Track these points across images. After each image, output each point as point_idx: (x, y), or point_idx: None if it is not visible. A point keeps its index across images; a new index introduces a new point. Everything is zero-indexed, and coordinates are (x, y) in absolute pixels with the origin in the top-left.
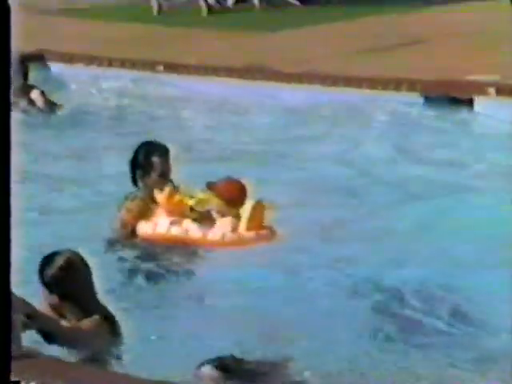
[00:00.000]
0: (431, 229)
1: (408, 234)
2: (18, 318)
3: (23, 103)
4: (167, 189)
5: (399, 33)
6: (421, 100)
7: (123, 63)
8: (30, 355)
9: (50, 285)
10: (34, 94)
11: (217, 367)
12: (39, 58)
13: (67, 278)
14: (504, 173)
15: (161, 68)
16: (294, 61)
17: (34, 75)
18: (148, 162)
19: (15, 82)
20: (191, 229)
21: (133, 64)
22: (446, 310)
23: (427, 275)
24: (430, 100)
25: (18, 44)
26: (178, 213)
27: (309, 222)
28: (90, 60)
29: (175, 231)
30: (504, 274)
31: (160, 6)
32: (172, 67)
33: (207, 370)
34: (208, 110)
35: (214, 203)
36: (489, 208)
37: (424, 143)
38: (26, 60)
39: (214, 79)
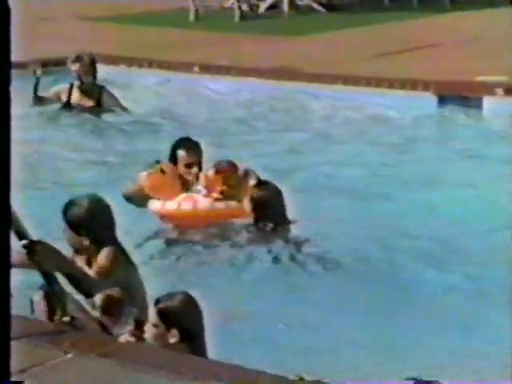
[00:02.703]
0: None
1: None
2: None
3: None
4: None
5: (414, 38)
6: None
7: (161, 64)
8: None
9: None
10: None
11: None
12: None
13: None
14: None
15: (196, 69)
16: (318, 63)
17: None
18: (174, 154)
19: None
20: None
21: (170, 65)
22: None
23: None
24: (443, 99)
25: (72, 49)
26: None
27: None
28: (132, 62)
29: (219, 206)
30: None
31: (197, 13)
32: (206, 68)
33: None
34: (237, 106)
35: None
36: None
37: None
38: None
39: (244, 80)
